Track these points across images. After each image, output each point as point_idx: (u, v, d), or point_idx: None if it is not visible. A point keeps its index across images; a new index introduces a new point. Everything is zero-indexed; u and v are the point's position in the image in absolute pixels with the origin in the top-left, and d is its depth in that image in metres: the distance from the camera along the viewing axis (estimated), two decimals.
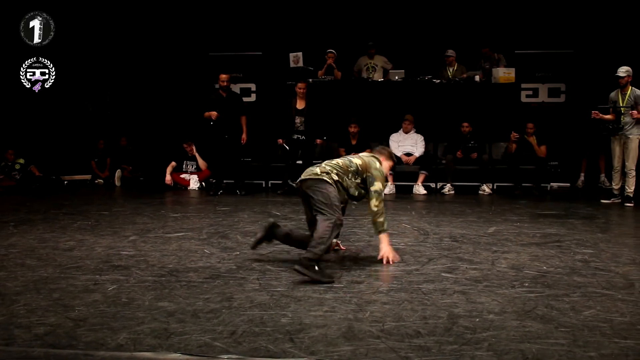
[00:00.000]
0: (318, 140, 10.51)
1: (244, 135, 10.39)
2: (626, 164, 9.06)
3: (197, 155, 11.77)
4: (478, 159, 10.91)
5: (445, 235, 6.38)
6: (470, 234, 6.41)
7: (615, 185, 9.35)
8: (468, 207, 8.71)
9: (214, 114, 10.12)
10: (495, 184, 11.20)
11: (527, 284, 4.30)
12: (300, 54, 12.06)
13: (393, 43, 12.56)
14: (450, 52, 12.00)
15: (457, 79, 11.86)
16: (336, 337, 3.20)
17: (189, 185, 11.42)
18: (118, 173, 12.43)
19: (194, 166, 11.75)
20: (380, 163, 5.18)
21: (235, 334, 3.23)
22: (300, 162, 10.65)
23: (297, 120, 10.46)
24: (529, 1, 12.67)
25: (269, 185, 11.75)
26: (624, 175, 9.18)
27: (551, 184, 11.57)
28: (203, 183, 11.54)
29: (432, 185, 11.13)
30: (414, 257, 5.23)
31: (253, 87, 12.59)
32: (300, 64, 12.04)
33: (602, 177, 11.51)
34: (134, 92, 13.36)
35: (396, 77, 11.78)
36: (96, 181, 12.70)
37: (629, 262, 5.11)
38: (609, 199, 9.34)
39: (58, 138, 12.74)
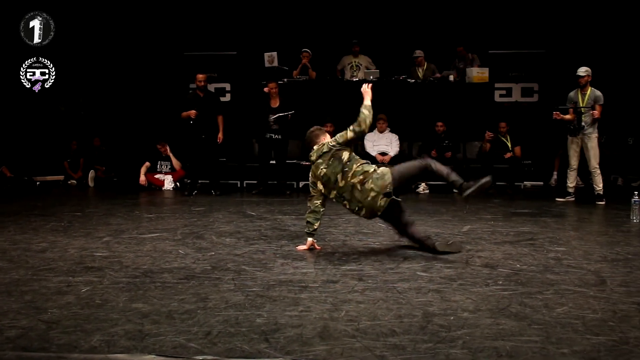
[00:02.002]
0: (289, 116, 10.45)
1: (220, 135, 10.36)
2: (590, 163, 9.22)
3: (171, 155, 11.70)
4: (452, 158, 10.98)
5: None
6: (444, 233, 6.45)
7: (570, 184, 9.52)
8: (442, 206, 8.77)
9: (192, 112, 10.08)
10: None
11: (500, 282, 4.34)
12: (275, 53, 12.05)
13: (368, 43, 12.59)
14: (419, 53, 12.05)
15: (430, 78, 11.92)
16: (311, 336, 3.20)
17: (163, 185, 11.37)
18: (91, 173, 12.34)
19: (168, 166, 11.69)
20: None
21: (210, 335, 3.22)
22: (273, 162, 10.66)
23: (272, 119, 10.43)
24: (502, 2, 12.78)
25: (244, 185, 11.74)
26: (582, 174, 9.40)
27: (525, 182, 11.68)
28: (177, 183, 11.49)
29: None
30: (389, 256, 5.25)
31: (228, 86, 12.56)
32: (275, 63, 12.03)
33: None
34: (107, 92, 13.26)
35: (371, 77, 11.81)
36: (69, 182, 12.59)
37: (601, 259, 5.17)
38: (564, 197, 9.48)
39: (30, 138, 12.62)
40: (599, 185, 9.22)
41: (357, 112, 5.71)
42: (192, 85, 10.95)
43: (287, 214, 7.91)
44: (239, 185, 11.78)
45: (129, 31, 12.89)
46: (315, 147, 5.55)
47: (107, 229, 6.69)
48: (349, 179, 5.30)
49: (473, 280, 4.40)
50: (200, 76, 10.34)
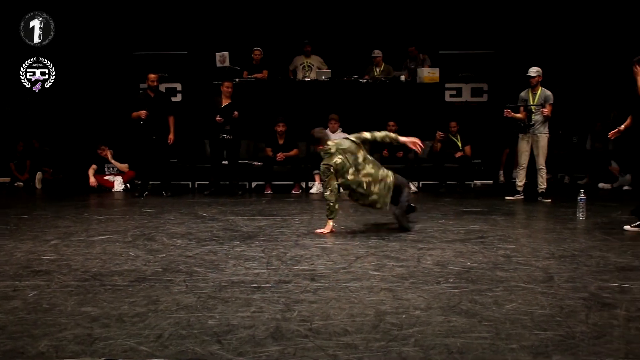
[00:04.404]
0: (235, 113, 10.38)
1: (171, 136, 10.25)
2: (538, 160, 9.43)
3: (112, 160, 11.49)
4: (404, 157, 11.06)
5: (372, 233, 6.45)
6: (396, 232, 6.50)
7: (519, 182, 9.72)
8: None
9: (143, 113, 9.95)
10: (420, 182, 11.40)
11: (451, 280, 4.39)
12: (226, 53, 11.98)
13: (319, 43, 12.61)
14: (377, 53, 12.14)
15: (382, 78, 12.00)
16: (264, 337, 3.19)
17: (113, 187, 11.19)
18: (39, 175, 12.08)
19: (115, 169, 11.50)
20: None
21: (161, 338, 3.18)
22: (225, 162, 10.60)
23: (218, 118, 10.32)
24: (452, 3, 12.95)
25: (196, 186, 11.63)
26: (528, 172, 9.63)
27: (475, 181, 11.85)
28: (128, 184, 11.33)
29: None
30: (342, 256, 5.27)
31: (179, 86, 12.43)
32: (227, 63, 11.96)
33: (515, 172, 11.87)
34: (55, 92, 12.99)
35: (323, 77, 11.83)
36: (15, 184, 12.32)
37: (549, 256, 5.28)
38: (513, 196, 9.66)
39: None
40: (543, 183, 9.44)
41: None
42: (143, 85, 10.80)
43: (239, 215, 7.87)
44: (190, 186, 11.68)
45: (82, 30, 12.73)
46: (331, 142, 6.52)
47: (55, 232, 6.56)
48: (359, 176, 6.37)
49: (424, 278, 4.44)
50: (152, 76, 10.21)
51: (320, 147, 6.58)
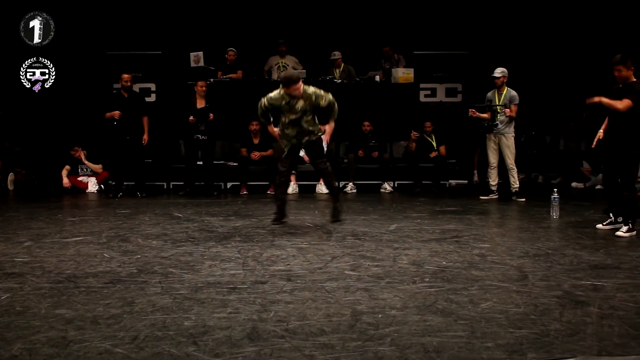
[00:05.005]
0: (211, 116, 10.35)
1: (145, 136, 10.18)
2: (507, 161, 9.50)
3: (86, 162, 11.36)
4: (379, 157, 11.10)
5: (348, 233, 6.46)
6: (372, 232, 6.52)
7: (492, 182, 9.78)
8: (370, 205, 8.85)
9: (116, 113, 9.87)
10: (396, 182, 11.43)
11: (427, 279, 4.41)
12: (200, 53, 11.91)
13: (294, 43, 12.60)
14: (337, 54, 12.13)
15: (357, 79, 12.01)
16: (240, 338, 3.18)
17: (87, 188, 11.08)
18: (11, 176, 11.90)
19: (89, 170, 11.38)
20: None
21: (137, 339, 3.16)
22: (200, 162, 10.55)
23: (191, 119, 10.27)
24: (426, 4, 13.02)
25: (171, 186, 11.55)
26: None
27: (450, 181, 11.91)
28: (102, 185, 11.22)
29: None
30: (318, 256, 5.27)
31: (153, 87, 12.33)
32: (201, 63, 11.89)
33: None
34: (26, 92, 12.82)
35: None
36: None
37: (523, 254, 5.32)
38: (487, 195, 9.73)
39: None
40: (515, 182, 9.54)
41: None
42: (117, 85, 10.71)
43: (214, 215, 7.84)
44: (165, 187, 11.59)
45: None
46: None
47: (28, 233, 6.48)
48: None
49: (400, 277, 4.46)
50: (125, 76, 10.12)
51: (298, 85, 6.95)
